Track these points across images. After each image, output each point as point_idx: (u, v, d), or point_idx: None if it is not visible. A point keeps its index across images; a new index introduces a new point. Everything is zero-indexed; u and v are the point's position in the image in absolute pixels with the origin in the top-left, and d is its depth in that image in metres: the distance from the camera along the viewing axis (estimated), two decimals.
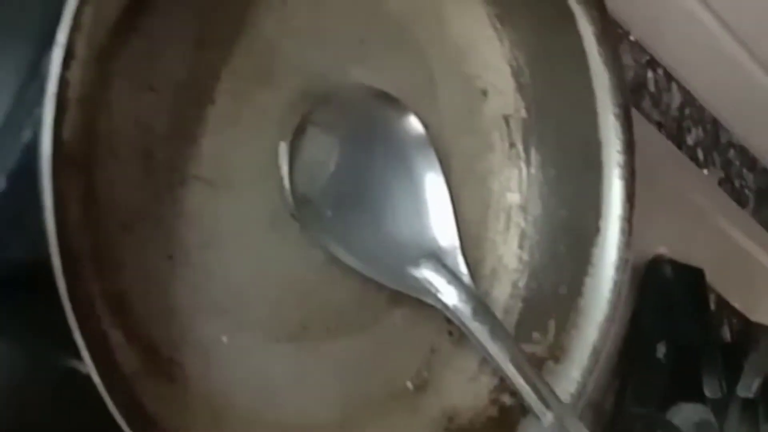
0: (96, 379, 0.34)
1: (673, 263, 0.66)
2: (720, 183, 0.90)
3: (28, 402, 0.43)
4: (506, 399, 0.49)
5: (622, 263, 0.49)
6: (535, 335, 0.50)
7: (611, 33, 0.49)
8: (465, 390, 0.49)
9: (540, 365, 0.49)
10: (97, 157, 0.39)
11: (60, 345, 0.41)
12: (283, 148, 0.44)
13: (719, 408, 0.65)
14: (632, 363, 0.63)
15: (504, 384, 0.49)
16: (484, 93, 0.52)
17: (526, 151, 0.53)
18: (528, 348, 0.50)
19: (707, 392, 0.65)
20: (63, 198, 0.33)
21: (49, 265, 0.35)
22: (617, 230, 0.50)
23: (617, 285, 0.49)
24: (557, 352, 0.49)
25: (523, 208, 0.53)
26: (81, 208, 0.35)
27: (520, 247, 0.52)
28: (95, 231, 0.38)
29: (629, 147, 0.50)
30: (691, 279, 0.66)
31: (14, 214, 0.41)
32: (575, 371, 0.48)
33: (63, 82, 0.33)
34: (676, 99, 0.86)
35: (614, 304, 0.49)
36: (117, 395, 0.35)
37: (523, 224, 0.53)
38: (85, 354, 0.34)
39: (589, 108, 0.50)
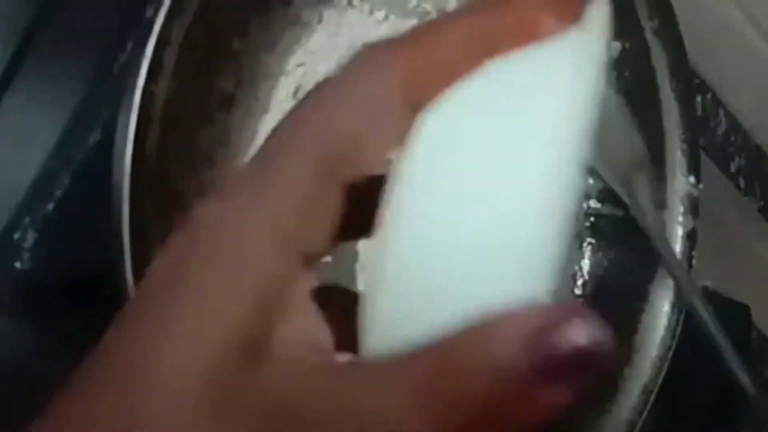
0: None
1: (718, 297, 0.65)
2: (758, 212, 0.89)
3: None
4: None
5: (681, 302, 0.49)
6: None
7: (687, 69, 0.48)
8: None
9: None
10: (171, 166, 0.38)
11: None
12: None
13: None
14: (671, 394, 0.62)
15: None
16: None
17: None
18: None
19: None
20: (141, 211, 0.33)
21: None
22: None
23: (673, 324, 0.48)
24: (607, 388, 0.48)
25: (579, 238, 0.52)
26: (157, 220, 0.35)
27: (573, 279, 0.52)
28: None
29: (694, 184, 0.49)
30: (736, 314, 0.65)
31: (77, 217, 0.41)
32: (625, 411, 0.48)
33: (148, 96, 0.32)
34: (723, 125, 0.85)
35: (669, 344, 0.48)
36: None
37: (578, 255, 0.52)
38: None
39: (658, 142, 0.49)
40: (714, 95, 0.83)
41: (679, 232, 0.49)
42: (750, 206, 0.85)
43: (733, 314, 0.66)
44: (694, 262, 0.49)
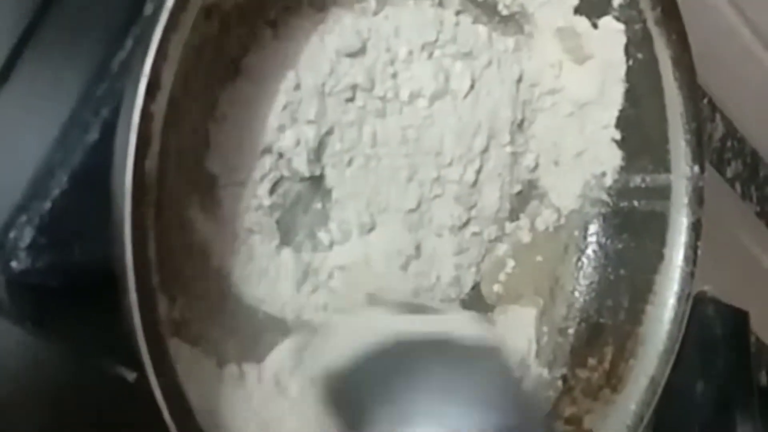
0: (157, 393, 0.33)
1: (716, 302, 0.65)
2: (756, 216, 0.88)
3: (74, 403, 0.42)
4: None
5: (686, 293, 0.48)
6: (591, 361, 0.49)
7: (689, 58, 0.48)
8: None
9: (596, 393, 0.48)
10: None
11: (107, 351, 0.40)
12: None
13: None
14: (670, 398, 0.62)
15: None
16: None
17: None
18: (583, 373, 0.49)
19: None
20: (141, 227, 0.32)
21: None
22: (681, 258, 0.49)
23: (679, 316, 0.48)
24: (614, 381, 0.48)
25: (584, 229, 0.52)
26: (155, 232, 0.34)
27: (579, 268, 0.51)
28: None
29: (698, 174, 0.49)
30: (735, 320, 0.65)
31: (75, 216, 0.40)
32: (633, 403, 0.47)
33: (147, 115, 0.32)
34: (719, 130, 0.85)
35: (675, 336, 0.48)
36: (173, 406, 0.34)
37: (582, 245, 0.51)
38: (149, 370, 0.33)
39: (661, 133, 0.49)
40: (710, 100, 0.83)
41: (684, 222, 0.49)
42: (748, 211, 0.85)
43: (732, 320, 0.65)
44: (699, 252, 0.48)
